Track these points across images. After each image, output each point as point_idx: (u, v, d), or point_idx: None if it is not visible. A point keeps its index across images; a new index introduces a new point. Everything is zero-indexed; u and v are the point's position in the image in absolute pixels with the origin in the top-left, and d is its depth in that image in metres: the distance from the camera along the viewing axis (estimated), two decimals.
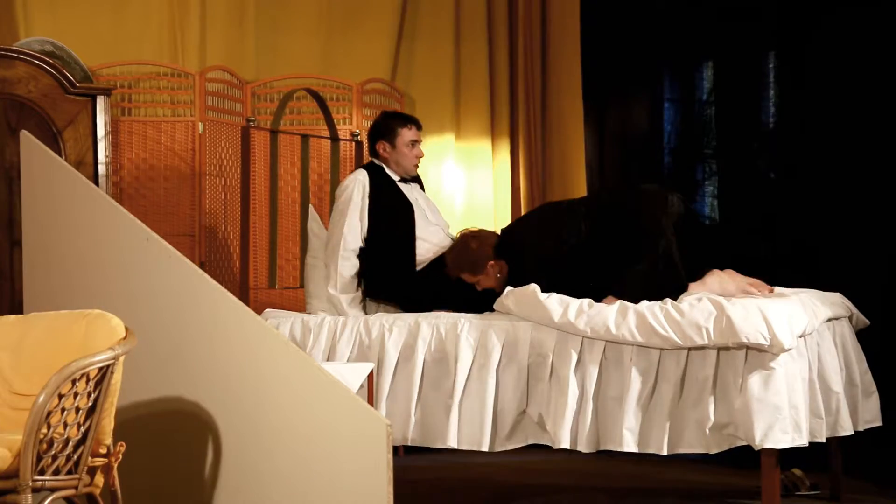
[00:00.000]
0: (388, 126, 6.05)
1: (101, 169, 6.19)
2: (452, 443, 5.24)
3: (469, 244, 5.68)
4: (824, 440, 5.08)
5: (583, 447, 5.07)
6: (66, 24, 7.07)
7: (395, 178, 6.02)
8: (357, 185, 5.93)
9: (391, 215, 5.90)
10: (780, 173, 7.37)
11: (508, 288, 5.38)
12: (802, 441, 4.86)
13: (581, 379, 5.10)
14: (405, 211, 5.92)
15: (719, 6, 7.64)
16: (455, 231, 6.06)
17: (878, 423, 5.48)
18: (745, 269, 5.65)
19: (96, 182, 6.09)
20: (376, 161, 6.05)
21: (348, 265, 5.87)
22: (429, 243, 5.92)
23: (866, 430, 5.45)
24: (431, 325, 5.39)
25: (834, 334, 5.34)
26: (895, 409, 5.69)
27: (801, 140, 7.20)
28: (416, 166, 6.11)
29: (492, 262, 5.62)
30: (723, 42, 7.63)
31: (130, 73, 7.10)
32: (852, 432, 5.20)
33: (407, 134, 6.02)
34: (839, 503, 5.58)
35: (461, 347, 5.27)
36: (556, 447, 5.12)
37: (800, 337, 4.92)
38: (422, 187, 6.23)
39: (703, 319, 4.91)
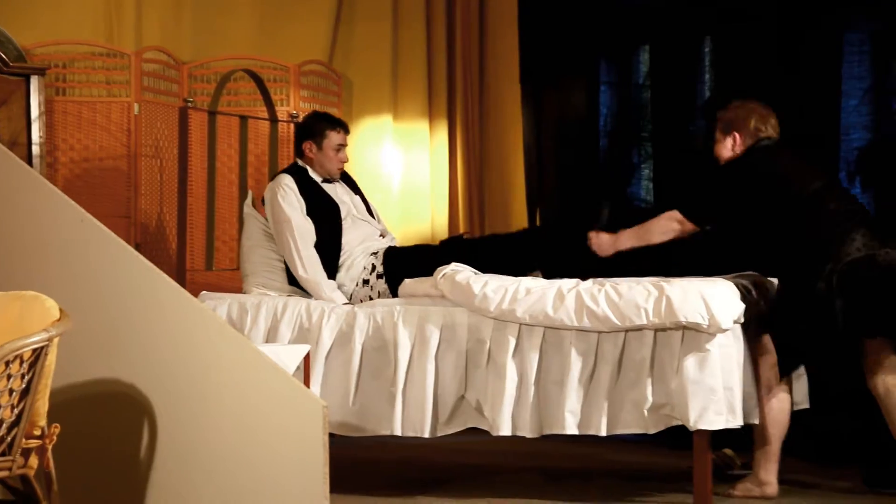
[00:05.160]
0: (316, 127, 5.97)
1: (35, 149, 6.14)
2: (397, 429, 5.25)
3: (734, 105, 5.44)
4: (757, 422, 5.15)
5: (525, 432, 5.10)
6: None
7: (318, 179, 5.96)
8: (287, 183, 5.85)
9: (318, 216, 5.85)
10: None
11: (443, 271, 5.35)
12: (736, 422, 4.92)
13: (520, 364, 5.11)
14: (331, 211, 5.88)
15: None
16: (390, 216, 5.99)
17: (806, 406, 5.52)
18: (684, 253, 5.69)
19: (30, 163, 6.04)
20: (300, 162, 5.99)
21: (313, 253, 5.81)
22: (356, 240, 5.89)
23: (800, 410, 5.49)
24: (367, 314, 5.38)
25: None
26: (826, 390, 5.73)
27: None
28: (340, 170, 6.04)
29: (738, 135, 5.40)
30: (660, 26, 7.67)
31: (65, 53, 7.03)
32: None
33: (335, 137, 5.95)
34: None
35: (399, 334, 5.27)
36: (494, 434, 5.14)
37: (735, 322, 4.96)
38: (351, 183, 6.17)
39: (643, 300, 4.94)
